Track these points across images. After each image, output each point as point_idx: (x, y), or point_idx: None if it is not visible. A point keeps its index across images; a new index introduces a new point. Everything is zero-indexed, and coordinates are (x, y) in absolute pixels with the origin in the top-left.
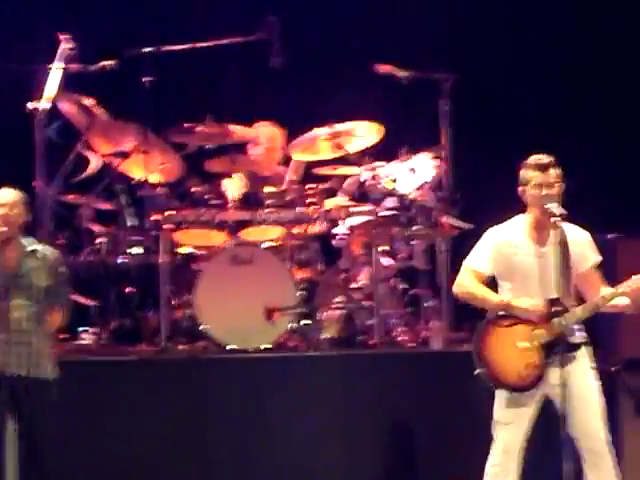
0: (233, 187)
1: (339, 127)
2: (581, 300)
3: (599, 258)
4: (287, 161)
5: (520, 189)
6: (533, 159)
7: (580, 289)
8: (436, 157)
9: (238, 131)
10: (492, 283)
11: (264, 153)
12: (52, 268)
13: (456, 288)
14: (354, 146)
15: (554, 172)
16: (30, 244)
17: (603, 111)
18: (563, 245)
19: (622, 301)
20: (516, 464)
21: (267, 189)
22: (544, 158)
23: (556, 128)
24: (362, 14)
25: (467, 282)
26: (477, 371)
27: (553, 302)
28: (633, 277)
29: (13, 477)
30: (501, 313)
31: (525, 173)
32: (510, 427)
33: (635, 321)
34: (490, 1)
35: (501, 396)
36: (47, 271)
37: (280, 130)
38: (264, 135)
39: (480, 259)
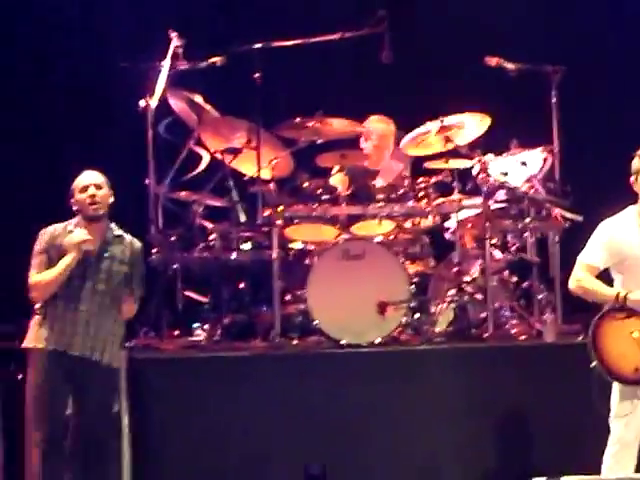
0: (344, 182)
1: (448, 120)
2: None
3: None
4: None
5: (632, 179)
6: None
7: None
8: (546, 150)
9: (348, 126)
10: (607, 277)
11: (375, 147)
12: (135, 256)
13: (571, 283)
14: (463, 139)
15: None
16: (116, 229)
17: None
18: None
19: None
20: (633, 456)
21: (378, 183)
22: None
23: None
24: (471, 8)
25: (582, 276)
26: (593, 364)
27: None
28: None
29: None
30: (617, 305)
31: (636, 163)
32: (627, 419)
33: None
34: None
35: (617, 389)
36: (130, 258)
37: (391, 124)
38: (375, 129)
39: (594, 254)
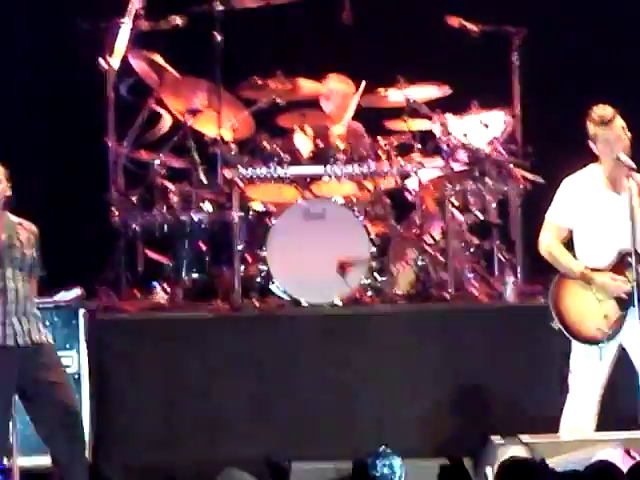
0: (304, 142)
1: (408, 92)
2: None
3: None
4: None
5: (590, 143)
6: (596, 114)
7: None
8: (507, 111)
9: (309, 86)
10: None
11: (337, 107)
12: (37, 239)
13: (540, 247)
14: (423, 98)
15: (618, 124)
16: (12, 216)
17: None
18: (638, 196)
19: None
20: (592, 415)
21: (338, 143)
22: (606, 112)
23: (625, 79)
24: None
25: (550, 242)
26: (554, 323)
27: (628, 253)
28: None
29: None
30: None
31: (592, 129)
32: (587, 380)
33: None
34: None
35: (578, 348)
36: (34, 242)
37: (351, 84)
38: (336, 89)
39: (561, 211)
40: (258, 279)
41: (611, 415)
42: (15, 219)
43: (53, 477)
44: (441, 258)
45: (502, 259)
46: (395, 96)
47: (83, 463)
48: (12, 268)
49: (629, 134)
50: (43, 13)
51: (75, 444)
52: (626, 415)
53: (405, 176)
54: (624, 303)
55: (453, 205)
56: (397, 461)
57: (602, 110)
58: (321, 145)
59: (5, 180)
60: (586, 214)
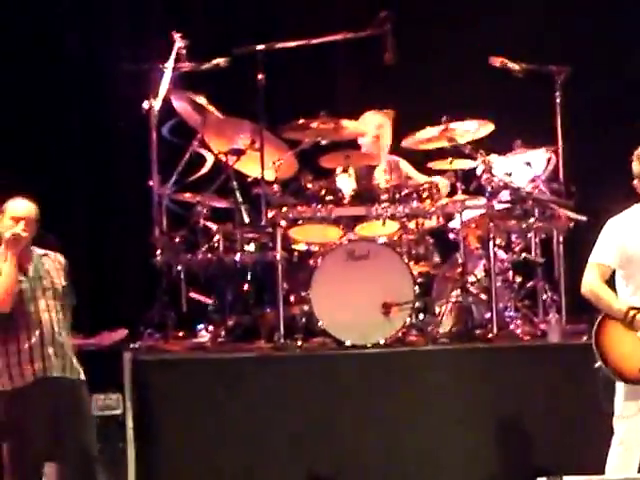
0: (347, 182)
1: (452, 126)
2: None
3: None
4: (398, 149)
5: (634, 182)
6: None
7: None
8: (550, 150)
9: (351, 126)
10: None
11: (373, 141)
12: (66, 270)
13: (583, 287)
14: (467, 138)
15: None
16: (37, 249)
17: None
18: None
19: None
20: (637, 456)
21: (382, 183)
22: None
23: None
24: (472, 7)
25: (593, 282)
26: (597, 364)
27: None
28: None
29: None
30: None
31: (637, 168)
32: (631, 420)
33: None
34: None
35: (621, 389)
36: (62, 272)
37: (387, 116)
38: (371, 122)
39: (604, 251)
40: (302, 319)
41: None
42: (40, 251)
43: None
44: (484, 297)
45: (546, 298)
46: (438, 136)
47: None
48: (45, 299)
49: None
50: (88, 57)
51: None
52: None
53: (448, 216)
54: None
55: (496, 244)
56: None
57: None
58: (364, 185)
59: (35, 220)
60: (630, 254)
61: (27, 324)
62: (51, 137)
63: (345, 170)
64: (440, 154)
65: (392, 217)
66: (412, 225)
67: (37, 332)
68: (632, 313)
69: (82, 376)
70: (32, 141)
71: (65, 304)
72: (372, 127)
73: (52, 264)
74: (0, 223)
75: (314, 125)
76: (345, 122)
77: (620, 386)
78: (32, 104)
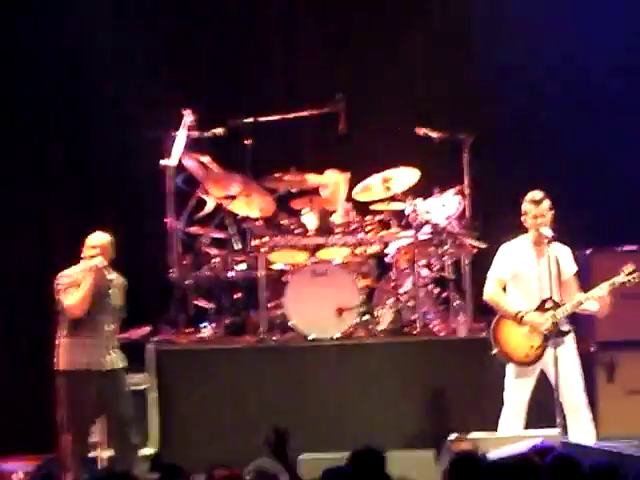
0: (311, 219)
1: (388, 173)
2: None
3: (576, 268)
4: (349, 198)
5: (522, 218)
6: (530, 195)
7: (562, 292)
8: (460, 194)
9: (313, 178)
10: None
11: (331, 193)
12: (124, 291)
13: (485, 295)
14: (399, 187)
15: (546, 204)
16: (108, 272)
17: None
18: (555, 259)
19: (591, 306)
20: (522, 418)
21: (337, 220)
22: (537, 194)
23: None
24: (408, 85)
25: (493, 291)
26: (493, 351)
27: (548, 300)
28: (600, 285)
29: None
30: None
31: (525, 206)
32: (517, 393)
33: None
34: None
35: (511, 370)
36: (122, 293)
37: (343, 175)
38: (331, 179)
39: (500, 268)
40: (278, 320)
41: (534, 419)
42: (110, 276)
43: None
44: (411, 304)
45: (456, 304)
46: (378, 189)
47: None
48: (105, 314)
49: (552, 212)
50: (118, 125)
51: (127, 446)
52: (545, 418)
53: (385, 244)
54: (545, 337)
55: (420, 265)
56: None
57: (535, 193)
58: (324, 221)
59: (108, 248)
60: (517, 271)
61: (92, 328)
62: (97, 186)
63: (310, 210)
64: (379, 200)
65: (344, 245)
66: (359, 251)
67: (95, 338)
68: (520, 314)
69: (124, 365)
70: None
71: (119, 317)
72: (330, 181)
73: (116, 287)
74: (84, 252)
75: (287, 177)
76: (309, 176)
77: (510, 367)
78: (78, 164)
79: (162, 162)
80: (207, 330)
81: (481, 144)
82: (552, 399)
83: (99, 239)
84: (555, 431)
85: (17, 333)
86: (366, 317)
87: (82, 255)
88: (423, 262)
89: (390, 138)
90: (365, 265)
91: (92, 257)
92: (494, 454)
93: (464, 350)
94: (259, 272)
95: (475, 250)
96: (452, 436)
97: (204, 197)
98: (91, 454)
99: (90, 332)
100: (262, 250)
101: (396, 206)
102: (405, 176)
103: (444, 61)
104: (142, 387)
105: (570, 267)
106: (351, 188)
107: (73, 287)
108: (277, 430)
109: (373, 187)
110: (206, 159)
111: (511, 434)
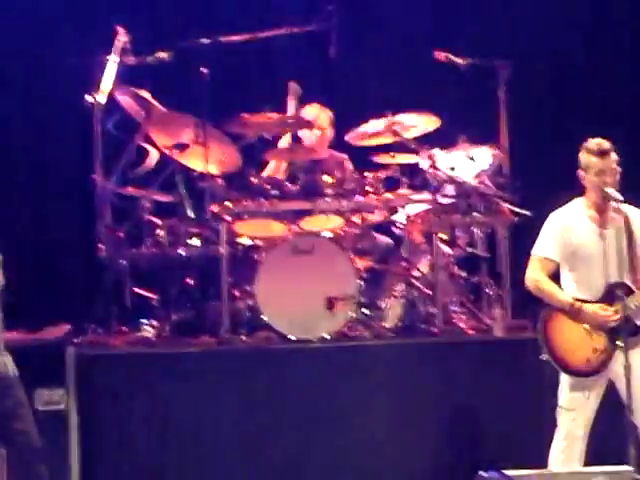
0: (276, 170)
1: (396, 118)
2: None
3: None
4: (340, 144)
5: (580, 173)
6: (594, 144)
7: (637, 274)
8: (494, 147)
9: (293, 119)
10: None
11: (318, 139)
12: (1, 266)
13: (528, 282)
14: (411, 133)
15: (613, 158)
16: None
17: None
18: (627, 227)
19: None
20: (580, 449)
21: (326, 178)
22: (604, 143)
23: (611, 115)
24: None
25: (537, 276)
26: (543, 356)
27: (617, 286)
28: None
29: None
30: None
31: (586, 158)
32: (574, 412)
33: None
34: None
35: (566, 381)
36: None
37: (326, 111)
38: (310, 115)
39: (547, 245)
40: (246, 314)
41: (598, 450)
42: None
43: None
44: (429, 292)
45: (490, 293)
46: (383, 130)
47: None
48: None
49: (620, 169)
50: (31, 49)
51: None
52: (612, 449)
53: (393, 210)
54: (614, 336)
55: (440, 239)
56: None
57: (600, 141)
58: (308, 179)
59: None
60: (572, 248)
61: None
62: None
63: (289, 165)
64: (384, 149)
65: (336, 211)
66: (356, 219)
67: None
68: (577, 305)
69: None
70: None
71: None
72: (315, 122)
73: None
74: None
75: (257, 119)
76: (287, 116)
77: (565, 378)
78: None
79: (87, 98)
80: (149, 329)
81: (523, 74)
82: (622, 422)
83: None
84: (627, 468)
85: None
86: (366, 310)
87: None
88: (444, 235)
89: (397, 66)
90: (365, 239)
91: None
92: None
93: (501, 355)
94: (220, 249)
95: (516, 219)
96: (484, 475)
97: (144, 146)
98: None
99: None
100: (225, 219)
101: (407, 158)
102: (419, 121)
103: None
104: (58, 407)
105: None
106: (342, 132)
107: None
108: None
109: (375, 134)
110: (147, 95)
111: (565, 471)
